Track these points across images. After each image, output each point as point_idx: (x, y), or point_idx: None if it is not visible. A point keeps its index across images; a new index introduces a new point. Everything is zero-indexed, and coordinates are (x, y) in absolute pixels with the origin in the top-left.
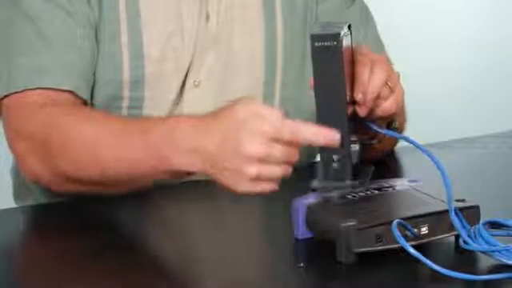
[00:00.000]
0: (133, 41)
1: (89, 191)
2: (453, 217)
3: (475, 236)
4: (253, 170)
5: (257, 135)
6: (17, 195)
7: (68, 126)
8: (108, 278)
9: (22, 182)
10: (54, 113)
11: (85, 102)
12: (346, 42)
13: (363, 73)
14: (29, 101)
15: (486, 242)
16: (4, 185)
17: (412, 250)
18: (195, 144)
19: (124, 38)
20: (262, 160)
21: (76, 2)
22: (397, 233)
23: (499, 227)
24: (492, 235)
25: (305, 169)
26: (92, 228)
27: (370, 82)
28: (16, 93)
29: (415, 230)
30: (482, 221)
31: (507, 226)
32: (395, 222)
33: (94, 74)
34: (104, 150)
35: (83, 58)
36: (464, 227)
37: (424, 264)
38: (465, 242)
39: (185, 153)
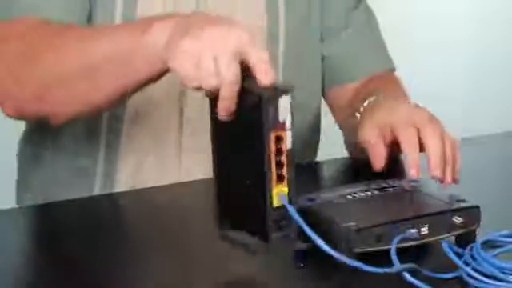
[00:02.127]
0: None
1: (68, 102)
2: (452, 256)
3: (475, 259)
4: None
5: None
6: (18, 196)
7: (51, 29)
8: (108, 278)
9: (21, 180)
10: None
11: None
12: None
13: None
14: (11, 27)
15: (497, 267)
16: (4, 185)
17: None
18: (171, 17)
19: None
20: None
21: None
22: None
23: (496, 245)
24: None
25: (305, 169)
26: (92, 228)
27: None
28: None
29: (415, 231)
30: (479, 245)
31: (503, 242)
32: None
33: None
34: (88, 39)
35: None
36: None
37: (423, 263)
38: (471, 276)
39: (162, 21)
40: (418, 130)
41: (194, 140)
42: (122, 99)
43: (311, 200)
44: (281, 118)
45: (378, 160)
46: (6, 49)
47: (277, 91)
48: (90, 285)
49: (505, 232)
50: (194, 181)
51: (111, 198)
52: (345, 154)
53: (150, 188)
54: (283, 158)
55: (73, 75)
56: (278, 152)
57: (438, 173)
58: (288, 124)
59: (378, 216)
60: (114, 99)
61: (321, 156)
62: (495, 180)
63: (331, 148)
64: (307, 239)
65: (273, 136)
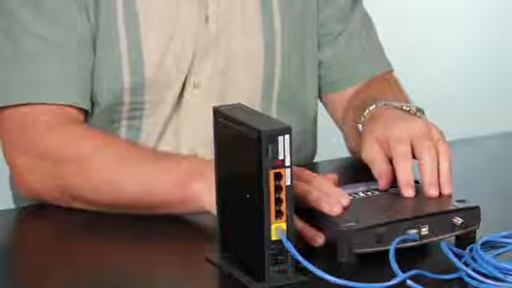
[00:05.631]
0: (132, 47)
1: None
2: (452, 258)
3: (475, 260)
4: None
5: None
6: (16, 197)
7: (85, 148)
8: (108, 279)
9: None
10: (65, 134)
11: (86, 112)
12: None
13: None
14: (35, 120)
15: (497, 268)
16: (4, 185)
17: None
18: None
19: (123, 45)
20: None
21: (71, 15)
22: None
23: (495, 246)
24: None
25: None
26: (93, 229)
27: (441, 175)
28: (17, 106)
29: (415, 231)
30: (478, 245)
31: (503, 243)
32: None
33: (94, 82)
34: (124, 173)
35: (81, 69)
36: (465, 263)
37: (423, 264)
38: (471, 277)
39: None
40: (413, 146)
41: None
42: None
43: None
44: (280, 156)
45: (384, 181)
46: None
47: (277, 129)
48: (89, 284)
49: (505, 233)
50: None
51: None
52: (344, 154)
53: None
54: (282, 195)
55: (99, 203)
56: (277, 189)
57: (432, 193)
58: (288, 161)
59: (378, 216)
60: None
61: (320, 156)
62: (495, 180)
63: (330, 149)
64: (306, 272)
65: (272, 173)
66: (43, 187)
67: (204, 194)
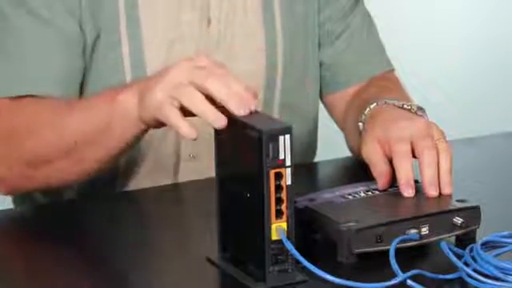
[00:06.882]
0: (134, 51)
1: (56, 177)
2: (452, 257)
3: (475, 260)
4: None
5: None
6: (14, 199)
7: (30, 110)
8: (108, 279)
9: None
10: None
11: None
12: None
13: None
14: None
15: (497, 268)
16: None
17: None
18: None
19: (125, 49)
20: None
21: (61, 19)
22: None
23: (496, 246)
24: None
25: (305, 169)
26: (92, 229)
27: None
28: None
29: (416, 231)
30: (478, 245)
31: (503, 242)
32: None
33: (95, 85)
34: (65, 116)
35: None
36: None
37: (423, 264)
38: (471, 277)
39: (126, 88)
40: (413, 145)
41: (192, 166)
42: (109, 164)
43: (311, 200)
44: (281, 155)
45: (383, 180)
46: None
47: (278, 129)
48: (88, 285)
49: (505, 233)
50: (193, 181)
51: (111, 199)
52: (344, 154)
53: (149, 189)
54: (283, 195)
55: (54, 155)
56: (278, 188)
57: (432, 192)
58: (288, 161)
59: (378, 216)
60: (100, 167)
61: (320, 156)
62: (495, 180)
63: (330, 149)
64: (306, 272)
65: (272, 173)
66: (6, 168)
67: (128, 101)
